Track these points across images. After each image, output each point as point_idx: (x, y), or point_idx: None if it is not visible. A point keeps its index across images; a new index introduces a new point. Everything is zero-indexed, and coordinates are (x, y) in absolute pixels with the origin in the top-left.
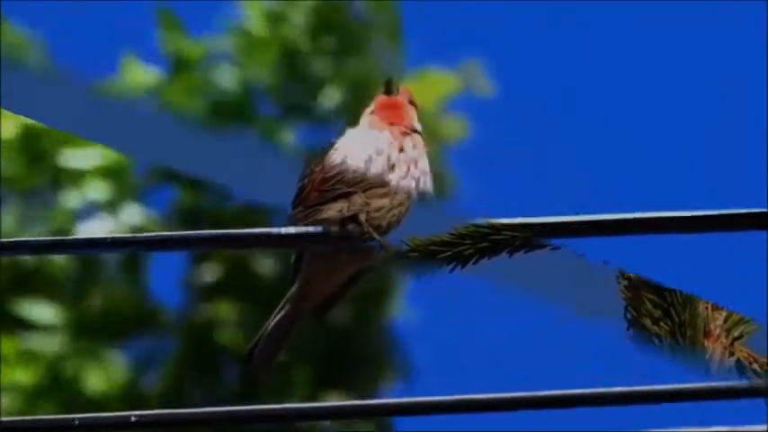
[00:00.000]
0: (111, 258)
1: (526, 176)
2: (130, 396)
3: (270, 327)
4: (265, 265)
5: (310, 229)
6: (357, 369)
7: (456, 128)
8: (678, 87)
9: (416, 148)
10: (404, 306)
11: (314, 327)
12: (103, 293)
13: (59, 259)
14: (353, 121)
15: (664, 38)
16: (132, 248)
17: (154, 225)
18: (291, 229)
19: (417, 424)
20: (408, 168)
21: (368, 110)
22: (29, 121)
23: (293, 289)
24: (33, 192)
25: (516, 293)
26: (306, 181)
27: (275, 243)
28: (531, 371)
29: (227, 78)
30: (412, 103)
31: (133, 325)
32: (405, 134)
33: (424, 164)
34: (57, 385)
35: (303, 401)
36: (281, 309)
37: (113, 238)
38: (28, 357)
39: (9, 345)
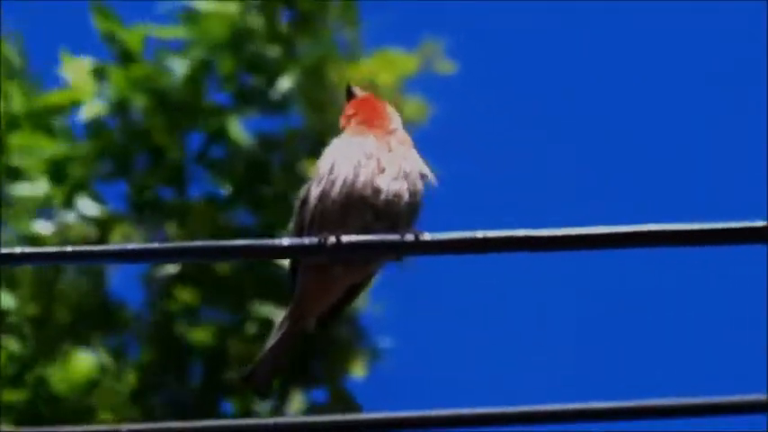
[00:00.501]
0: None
1: (487, 159)
2: (96, 393)
3: (270, 345)
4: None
5: (305, 241)
6: (325, 361)
7: (416, 109)
8: (669, 85)
9: (404, 144)
10: (370, 298)
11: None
12: (65, 290)
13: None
14: (309, 106)
15: (651, 45)
16: (123, 260)
17: (109, 218)
18: (286, 241)
19: None
20: (399, 168)
21: (345, 115)
22: None
23: (291, 306)
24: None
25: None
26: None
27: (273, 254)
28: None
29: (175, 66)
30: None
31: (96, 322)
32: (389, 133)
33: (414, 158)
34: (20, 381)
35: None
36: (281, 327)
37: (104, 249)
38: None
39: None
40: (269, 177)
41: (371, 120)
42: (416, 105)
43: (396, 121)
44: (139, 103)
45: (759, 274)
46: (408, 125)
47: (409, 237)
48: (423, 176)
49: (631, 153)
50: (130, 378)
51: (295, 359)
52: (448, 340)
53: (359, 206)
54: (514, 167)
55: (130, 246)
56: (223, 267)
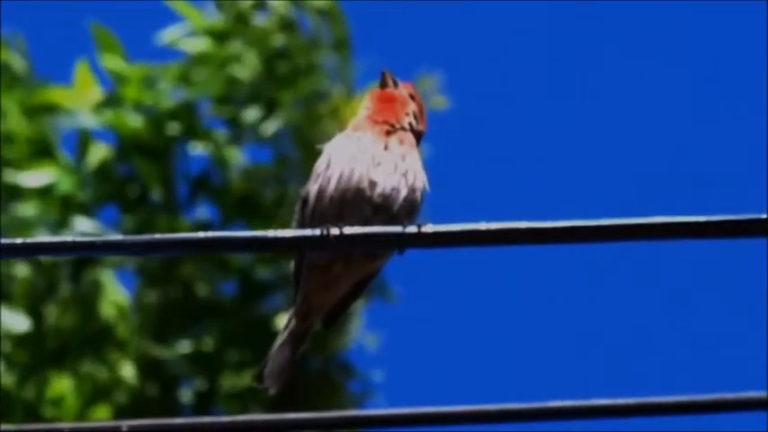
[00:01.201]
0: (66, 276)
1: (482, 193)
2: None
3: (278, 345)
4: (209, 289)
5: (308, 232)
6: (313, 393)
7: None
8: (672, 94)
9: (404, 144)
10: (361, 331)
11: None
12: (59, 311)
13: (22, 272)
14: (303, 139)
15: (652, 42)
16: (120, 252)
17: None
18: (289, 233)
19: None
20: (396, 165)
21: (363, 104)
22: None
23: (296, 305)
24: None
25: None
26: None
27: (269, 246)
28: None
29: (171, 100)
30: (413, 97)
31: (84, 346)
32: (389, 132)
33: (413, 159)
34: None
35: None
36: (287, 326)
37: (104, 241)
38: None
39: None
40: (260, 208)
41: (377, 116)
42: None
43: (406, 119)
44: (136, 125)
45: (759, 269)
46: None
47: (411, 228)
48: (418, 179)
49: (631, 147)
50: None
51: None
52: (440, 372)
53: (356, 200)
54: (510, 205)
55: (130, 237)
56: (211, 297)
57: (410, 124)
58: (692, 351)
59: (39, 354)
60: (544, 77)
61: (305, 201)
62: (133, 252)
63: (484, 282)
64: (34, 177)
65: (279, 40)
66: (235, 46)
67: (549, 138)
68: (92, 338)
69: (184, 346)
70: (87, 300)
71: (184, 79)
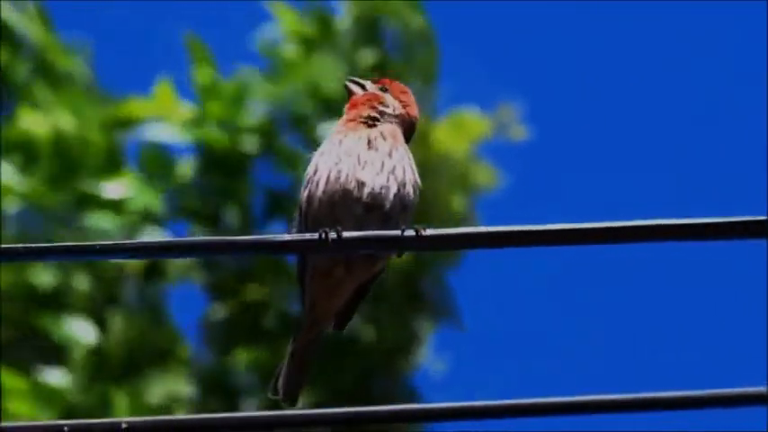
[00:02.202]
0: (132, 287)
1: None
2: None
3: (289, 355)
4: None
5: (306, 235)
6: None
7: (487, 176)
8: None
9: (387, 139)
10: (428, 356)
11: (335, 371)
12: (125, 323)
13: (82, 283)
14: None
15: (674, 64)
16: (128, 255)
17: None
18: (288, 236)
19: None
20: (383, 163)
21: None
22: (61, 126)
23: (303, 314)
24: (56, 210)
25: None
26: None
27: (270, 249)
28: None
29: (254, 116)
30: (385, 89)
31: (153, 360)
32: (370, 126)
33: (400, 153)
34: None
35: None
36: (297, 336)
37: (102, 244)
38: (40, 393)
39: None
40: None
41: (352, 118)
42: (488, 172)
43: (380, 108)
44: (220, 142)
45: (759, 269)
46: (479, 192)
47: (410, 232)
48: (407, 173)
49: (633, 150)
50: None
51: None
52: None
53: (346, 201)
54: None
55: (129, 241)
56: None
57: (383, 113)
58: (693, 349)
59: (103, 366)
60: (617, 107)
61: (300, 207)
62: (132, 255)
63: (546, 306)
64: (110, 188)
65: (368, 56)
66: (324, 59)
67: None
68: (156, 354)
69: (249, 365)
70: (152, 314)
71: (271, 92)
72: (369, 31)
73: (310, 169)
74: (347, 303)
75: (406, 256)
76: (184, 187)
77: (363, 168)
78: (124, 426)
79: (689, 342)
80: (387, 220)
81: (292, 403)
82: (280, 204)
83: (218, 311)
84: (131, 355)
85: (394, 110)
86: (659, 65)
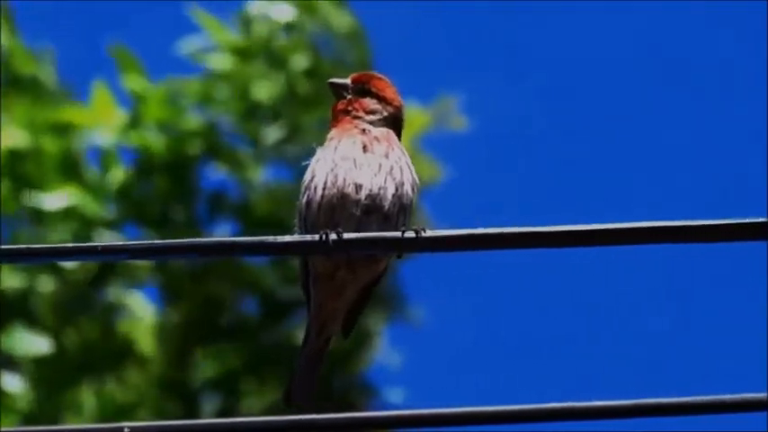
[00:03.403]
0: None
1: (497, 212)
2: None
3: (301, 362)
4: (232, 308)
5: (307, 237)
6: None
7: (430, 169)
8: (673, 99)
9: (382, 141)
10: (384, 351)
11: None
12: (83, 329)
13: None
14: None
15: (655, 60)
16: (125, 256)
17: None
18: (289, 238)
19: None
20: (380, 165)
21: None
22: (16, 144)
23: (310, 321)
24: (17, 220)
25: None
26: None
27: (270, 251)
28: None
29: (192, 119)
30: (366, 91)
31: (106, 363)
32: (364, 131)
33: (396, 154)
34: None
35: None
36: (306, 342)
37: (104, 246)
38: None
39: None
40: (283, 226)
41: (344, 124)
42: (430, 165)
43: (369, 117)
44: (157, 145)
45: (759, 272)
46: (423, 186)
47: (409, 233)
48: (405, 173)
49: (632, 152)
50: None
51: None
52: (461, 389)
53: (344, 204)
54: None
55: (131, 242)
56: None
57: (372, 121)
58: (692, 352)
59: (60, 371)
60: (558, 98)
61: (300, 214)
62: (131, 256)
63: (502, 298)
64: (57, 199)
65: (302, 61)
66: (257, 66)
67: (557, 149)
68: (113, 356)
69: (207, 365)
70: (109, 316)
71: (206, 97)
72: (298, 35)
73: (307, 176)
74: (352, 307)
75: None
76: (128, 192)
77: (360, 171)
78: (126, 430)
79: (687, 345)
80: (386, 220)
81: (306, 409)
82: (223, 206)
83: (174, 313)
84: (88, 359)
85: (381, 113)
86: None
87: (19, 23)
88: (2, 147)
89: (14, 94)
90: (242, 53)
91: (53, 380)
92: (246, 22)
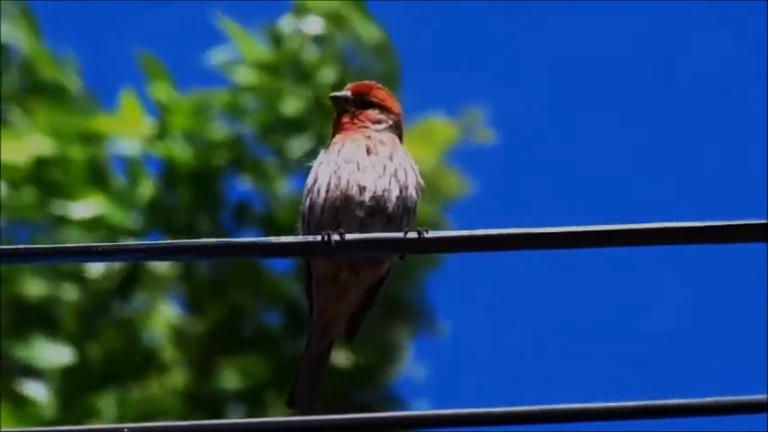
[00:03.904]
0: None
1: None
2: None
3: (303, 365)
4: (256, 318)
5: (309, 237)
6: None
7: (457, 182)
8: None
9: (386, 144)
10: (410, 363)
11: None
12: (106, 338)
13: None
14: None
15: (655, 60)
16: (125, 257)
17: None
18: (291, 239)
19: None
20: (384, 166)
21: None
22: (40, 152)
23: (313, 323)
24: (41, 226)
25: None
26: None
27: (273, 252)
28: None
29: (219, 130)
30: (366, 102)
31: (130, 373)
32: (369, 137)
33: (401, 156)
34: None
35: None
36: (309, 344)
37: (104, 246)
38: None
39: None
40: None
41: (347, 127)
42: (457, 178)
43: (375, 127)
44: (184, 156)
45: (759, 273)
46: (449, 200)
47: (412, 234)
48: (409, 175)
49: (631, 154)
50: None
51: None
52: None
53: (348, 206)
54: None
55: (130, 242)
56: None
57: (377, 129)
58: (692, 354)
59: (83, 380)
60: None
61: (303, 217)
62: (136, 257)
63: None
64: (84, 207)
65: (329, 74)
66: (284, 80)
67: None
68: (136, 365)
69: (231, 376)
70: (133, 325)
71: (233, 108)
72: (326, 48)
73: (310, 179)
74: (356, 309)
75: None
76: (154, 202)
77: (364, 173)
78: (126, 431)
79: (687, 346)
80: (390, 222)
81: (310, 412)
82: (248, 216)
83: (198, 322)
84: (111, 369)
85: (386, 122)
86: (633, 63)
87: (43, 30)
88: (26, 154)
89: (37, 100)
90: (270, 67)
91: (76, 388)
92: (275, 36)
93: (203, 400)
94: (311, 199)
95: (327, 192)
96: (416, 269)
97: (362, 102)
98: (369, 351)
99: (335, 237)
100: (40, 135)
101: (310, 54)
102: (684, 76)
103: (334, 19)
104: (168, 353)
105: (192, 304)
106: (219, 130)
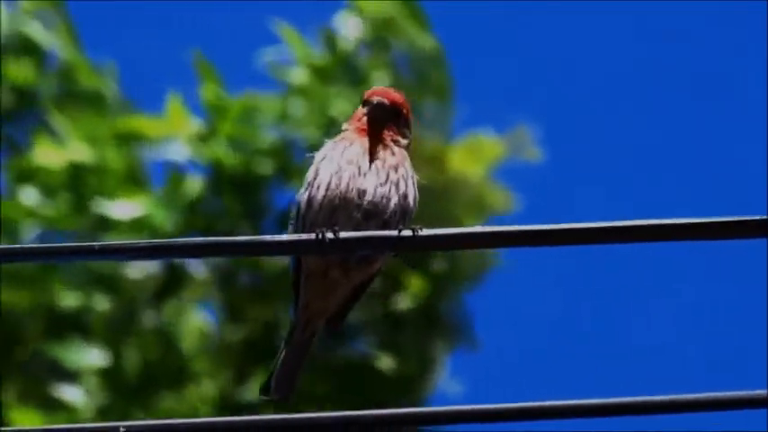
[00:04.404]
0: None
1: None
2: None
3: (283, 355)
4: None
5: (303, 235)
6: None
7: (502, 199)
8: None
9: (395, 156)
10: (445, 378)
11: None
12: (142, 345)
13: (102, 304)
14: None
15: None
16: (122, 256)
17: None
18: (285, 237)
19: None
20: (387, 174)
21: (351, 120)
22: (77, 158)
23: (297, 315)
24: (75, 234)
25: None
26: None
27: (267, 250)
28: None
29: (267, 136)
30: (399, 114)
31: (166, 381)
32: (385, 145)
33: (405, 170)
34: None
35: None
36: (290, 335)
37: (102, 245)
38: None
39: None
40: None
41: (369, 131)
42: (503, 195)
43: (403, 135)
44: (230, 161)
45: (759, 269)
46: (495, 215)
47: (406, 232)
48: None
49: (632, 150)
50: None
51: None
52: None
53: (345, 208)
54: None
55: (127, 242)
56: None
57: (399, 143)
58: (693, 350)
59: (118, 387)
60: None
61: (297, 209)
62: (132, 256)
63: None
64: (125, 208)
65: (382, 79)
66: (336, 84)
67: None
68: (171, 373)
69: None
70: (168, 333)
71: (282, 114)
72: (379, 53)
73: (311, 173)
74: (342, 304)
75: (423, 277)
76: (197, 206)
77: (365, 178)
78: (122, 430)
79: (687, 343)
80: (385, 226)
81: (285, 402)
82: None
83: (233, 332)
84: (146, 376)
85: (405, 140)
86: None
87: (84, 33)
88: (63, 161)
89: (75, 106)
90: (322, 71)
91: (112, 394)
92: (329, 39)
93: (237, 409)
94: (310, 194)
95: (327, 190)
96: (457, 285)
97: (395, 113)
98: (410, 361)
99: (329, 235)
100: (77, 142)
101: (363, 58)
102: (681, 71)
103: (389, 24)
104: (203, 361)
105: (231, 312)
106: (267, 135)
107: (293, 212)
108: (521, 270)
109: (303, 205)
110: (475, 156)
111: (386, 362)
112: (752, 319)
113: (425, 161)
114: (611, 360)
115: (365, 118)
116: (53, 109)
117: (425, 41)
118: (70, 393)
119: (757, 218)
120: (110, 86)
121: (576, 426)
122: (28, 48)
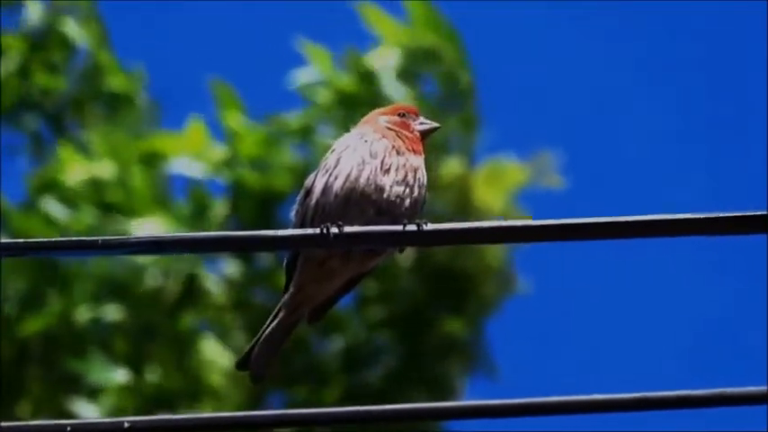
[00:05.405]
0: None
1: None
2: None
3: (265, 333)
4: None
5: (308, 230)
6: None
7: None
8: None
9: (419, 158)
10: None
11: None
12: (159, 361)
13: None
14: None
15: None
16: (125, 251)
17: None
18: (289, 232)
19: None
20: (405, 174)
21: (381, 112)
22: (97, 172)
23: (286, 296)
24: None
25: None
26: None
27: (270, 245)
28: None
29: (289, 157)
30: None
31: (182, 398)
32: (411, 150)
33: (423, 174)
34: None
35: None
36: (276, 316)
37: (105, 240)
38: None
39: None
40: None
41: (404, 137)
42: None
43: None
44: (253, 183)
45: (760, 264)
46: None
47: (411, 227)
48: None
49: (632, 148)
50: None
51: None
52: None
53: (360, 202)
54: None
55: (129, 237)
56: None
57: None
58: (693, 346)
59: (136, 404)
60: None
61: (308, 192)
62: (136, 251)
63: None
64: (146, 226)
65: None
66: (361, 108)
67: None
68: (188, 391)
69: (282, 406)
70: (184, 351)
71: (306, 132)
72: (409, 82)
73: (331, 160)
74: (331, 295)
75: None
76: (219, 225)
77: (384, 175)
78: (126, 425)
79: (689, 340)
80: (394, 223)
81: (258, 381)
82: None
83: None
84: (165, 388)
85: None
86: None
87: (114, 42)
88: (87, 176)
89: (97, 109)
90: (348, 95)
91: (129, 409)
92: (358, 65)
93: (253, 430)
94: (328, 181)
95: (346, 181)
96: (476, 311)
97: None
98: (427, 390)
99: (334, 230)
100: (101, 157)
101: (392, 87)
102: (681, 71)
103: (428, 55)
104: (220, 380)
105: (248, 331)
106: (289, 156)
107: (301, 194)
108: (538, 294)
109: (318, 190)
110: (497, 181)
111: (405, 385)
112: (752, 315)
113: (448, 186)
114: (627, 372)
115: (417, 131)
116: (77, 112)
117: (462, 75)
118: (87, 410)
119: (756, 213)
120: (138, 91)
121: (575, 424)
122: (58, 42)
